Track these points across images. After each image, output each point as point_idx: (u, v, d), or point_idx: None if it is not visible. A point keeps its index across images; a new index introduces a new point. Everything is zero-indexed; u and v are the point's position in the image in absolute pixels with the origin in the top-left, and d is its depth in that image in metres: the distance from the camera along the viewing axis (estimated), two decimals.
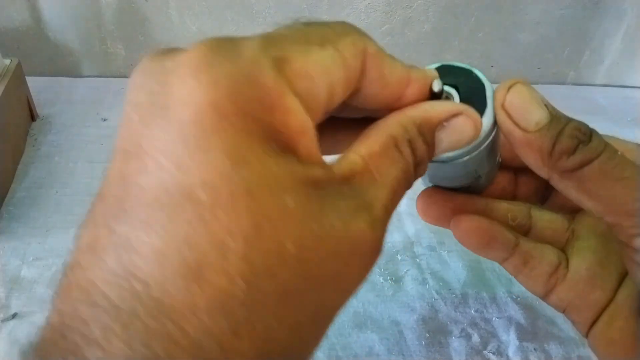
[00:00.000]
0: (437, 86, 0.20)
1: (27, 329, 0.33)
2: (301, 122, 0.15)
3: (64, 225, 0.40)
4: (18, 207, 0.41)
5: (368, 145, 0.17)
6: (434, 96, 0.20)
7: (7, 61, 0.47)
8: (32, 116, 0.51)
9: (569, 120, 0.21)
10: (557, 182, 0.21)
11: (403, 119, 0.18)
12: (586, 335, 0.24)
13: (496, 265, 0.39)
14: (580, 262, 0.24)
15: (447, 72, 0.21)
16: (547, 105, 0.21)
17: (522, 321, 0.35)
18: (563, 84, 0.69)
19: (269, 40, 0.15)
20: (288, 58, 0.15)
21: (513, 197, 0.27)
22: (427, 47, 0.63)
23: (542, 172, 0.21)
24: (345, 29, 0.17)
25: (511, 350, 0.33)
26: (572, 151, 0.20)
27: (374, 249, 0.16)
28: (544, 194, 0.27)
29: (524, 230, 0.26)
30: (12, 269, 0.36)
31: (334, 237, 0.14)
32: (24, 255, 0.37)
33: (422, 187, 0.26)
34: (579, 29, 0.64)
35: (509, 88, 0.21)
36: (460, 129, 0.19)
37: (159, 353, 0.12)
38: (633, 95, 0.67)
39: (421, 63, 0.58)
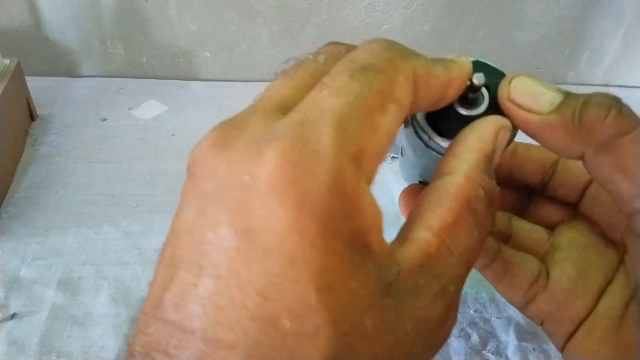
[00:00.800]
0: (478, 80, 0.19)
1: (26, 329, 0.33)
2: (374, 218, 0.14)
3: (64, 225, 0.40)
4: (17, 207, 0.41)
5: (441, 217, 0.16)
6: (470, 89, 0.20)
7: (7, 61, 0.47)
8: (32, 116, 0.51)
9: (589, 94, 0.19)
10: (591, 160, 0.19)
11: (469, 170, 0.17)
12: (562, 349, 0.23)
13: None
14: (561, 273, 0.23)
15: (478, 69, 0.21)
16: (555, 87, 0.20)
17: (521, 321, 0.35)
18: (563, 83, 0.69)
19: (342, 130, 0.14)
20: (361, 150, 0.14)
21: None
22: (427, 47, 0.63)
23: (572, 150, 0.19)
24: (394, 62, 0.17)
25: (510, 350, 0.33)
26: (604, 117, 0.18)
27: (448, 330, 0.16)
28: (521, 208, 0.27)
29: (504, 239, 0.26)
30: (12, 268, 0.36)
31: (408, 340, 0.15)
32: (23, 255, 0.37)
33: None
34: (578, 28, 0.64)
35: (510, 81, 0.20)
36: (502, 142, 0.19)
37: None
38: (633, 95, 0.67)
39: None
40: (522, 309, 0.24)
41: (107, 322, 0.34)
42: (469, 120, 0.20)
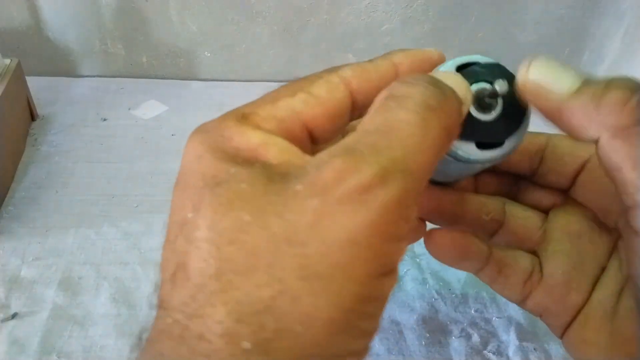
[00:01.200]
0: (500, 87, 0.20)
1: (27, 329, 0.33)
2: (262, 139, 0.17)
3: (64, 225, 0.40)
4: (18, 206, 0.41)
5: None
6: (491, 94, 0.20)
7: (7, 61, 0.47)
8: (32, 116, 0.51)
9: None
10: (605, 145, 0.18)
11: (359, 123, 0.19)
12: (561, 337, 0.24)
13: None
14: (555, 267, 0.23)
15: (489, 69, 0.21)
16: (575, 69, 0.19)
17: (522, 321, 0.35)
18: None
19: (239, 107, 0.19)
20: (254, 112, 0.18)
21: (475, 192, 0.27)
22: (427, 46, 0.63)
23: (589, 133, 0.18)
24: (319, 73, 0.20)
25: (511, 350, 0.33)
26: (625, 102, 0.17)
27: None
28: (510, 193, 0.26)
29: (497, 226, 0.26)
30: (12, 268, 0.36)
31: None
32: (23, 255, 0.37)
33: None
34: (578, 28, 0.64)
35: (530, 62, 0.19)
36: (446, 75, 0.20)
37: None
38: None
39: None
40: (519, 304, 0.25)
41: (107, 322, 0.34)
42: (485, 124, 0.20)
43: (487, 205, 0.25)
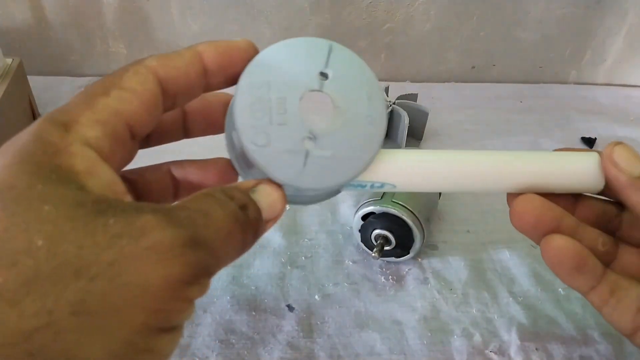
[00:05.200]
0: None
1: None
2: (90, 166, 0.17)
3: None
4: None
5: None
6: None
7: (9, 60, 0.47)
8: (34, 115, 0.52)
9: None
10: None
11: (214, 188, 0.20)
12: None
13: (497, 265, 0.40)
14: None
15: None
16: None
17: (524, 321, 0.35)
18: (565, 83, 0.69)
19: (54, 112, 0.18)
20: (75, 120, 0.18)
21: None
22: (428, 46, 0.63)
23: None
24: (125, 67, 0.20)
25: (513, 350, 0.33)
26: None
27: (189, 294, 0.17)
28: (606, 229, 0.28)
29: (609, 260, 0.26)
30: None
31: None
32: None
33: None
34: (580, 28, 0.64)
35: (615, 146, 0.25)
36: (267, 191, 0.21)
37: None
38: (635, 94, 0.67)
39: (422, 62, 0.58)
40: (630, 335, 0.25)
41: None
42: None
43: (602, 236, 0.26)
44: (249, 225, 0.19)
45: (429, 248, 0.41)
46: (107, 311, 0.14)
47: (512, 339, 0.34)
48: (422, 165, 0.25)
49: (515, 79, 0.67)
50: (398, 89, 0.55)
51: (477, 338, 0.34)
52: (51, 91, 0.56)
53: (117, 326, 0.15)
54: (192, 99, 0.22)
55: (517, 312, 0.36)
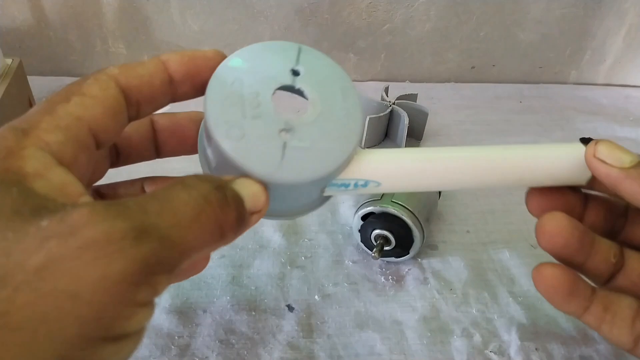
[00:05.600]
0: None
1: None
2: (41, 167, 0.16)
3: None
4: None
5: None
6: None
7: (9, 60, 0.47)
8: None
9: None
10: None
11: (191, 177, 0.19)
12: None
13: (497, 265, 0.40)
14: None
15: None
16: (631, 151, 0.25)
17: (524, 321, 0.35)
18: (565, 83, 0.69)
19: (16, 120, 0.18)
20: (35, 126, 0.17)
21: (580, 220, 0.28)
22: (428, 46, 0.63)
23: None
24: (86, 76, 0.20)
25: (513, 350, 0.33)
26: None
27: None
28: (613, 228, 0.28)
29: (617, 270, 0.26)
30: None
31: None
32: None
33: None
34: (580, 28, 0.64)
35: (596, 145, 0.25)
36: (247, 184, 0.20)
37: None
38: (635, 94, 0.67)
39: (422, 62, 0.58)
40: (632, 349, 0.25)
41: None
42: None
43: (614, 247, 0.27)
44: (227, 205, 0.18)
45: (429, 248, 0.41)
46: (34, 324, 0.13)
47: (512, 339, 0.34)
48: (404, 163, 0.25)
49: (515, 79, 0.67)
50: (398, 89, 0.55)
51: (477, 338, 0.34)
52: (51, 91, 0.56)
53: (45, 340, 0.13)
54: (158, 108, 0.23)
55: (517, 312, 0.36)
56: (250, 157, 0.21)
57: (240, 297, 0.36)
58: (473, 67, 0.66)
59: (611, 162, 0.24)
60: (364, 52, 0.63)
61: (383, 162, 0.25)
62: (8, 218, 0.14)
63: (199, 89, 0.23)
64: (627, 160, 0.24)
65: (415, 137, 0.53)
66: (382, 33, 0.61)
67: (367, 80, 0.65)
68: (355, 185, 0.24)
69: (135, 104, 0.21)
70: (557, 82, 0.69)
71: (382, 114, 0.50)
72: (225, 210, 0.17)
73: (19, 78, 0.47)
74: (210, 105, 0.22)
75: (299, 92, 0.24)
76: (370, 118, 0.49)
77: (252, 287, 0.36)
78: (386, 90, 0.53)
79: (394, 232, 0.36)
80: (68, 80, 0.61)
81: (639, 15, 0.63)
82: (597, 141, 0.25)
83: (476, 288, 0.38)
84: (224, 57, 0.23)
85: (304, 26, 0.60)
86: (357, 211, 0.38)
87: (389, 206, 0.36)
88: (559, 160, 0.26)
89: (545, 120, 0.60)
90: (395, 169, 0.25)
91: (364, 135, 0.51)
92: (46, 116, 0.18)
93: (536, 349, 0.33)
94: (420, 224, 0.36)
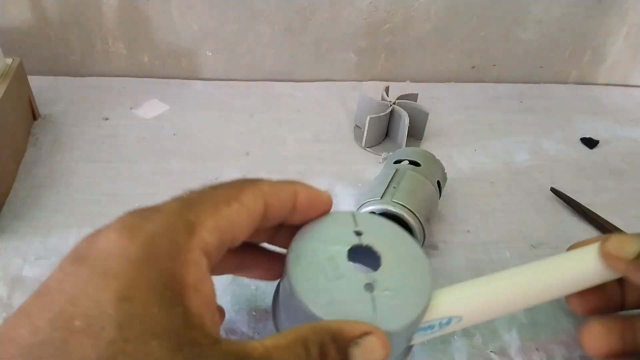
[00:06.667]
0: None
1: None
2: (199, 279, 0.18)
3: (66, 225, 0.40)
4: (20, 206, 0.41)
5: (275, 338, 0.18)
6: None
7: (9, 60, 0.47)
8: (34, 115, 0.52)
9: None
10: None
11: (317, 326, 0.20)
12: None
13: (497, 265, 0.39)
14: None
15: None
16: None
17: (524, 320, 0.35)
18: (565, 83, 0.69)
19: (185, 206, 0.20)
20: (202, 222, 0.19)
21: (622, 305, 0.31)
22: (428, 46, 0.63)
23: None
24: (245, 184, 0.23)
25: (513, 350, 0.33)
26: None
27: None
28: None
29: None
30: (14, 268, 0.36)
31: None
32: (25, 255, 0.37)
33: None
34: (581, 28, 0.64)
35: (604, 241, 0.27)
36: (371, 348, 0.20)
37: None
38: (635, 94, 0.67)
39: (422, 62, 0.58)
40: None
41: None
42: None
43: None
44: None
45: (430, 248, 0.41)
46: None
47: (512, 339, 0.34)
48: (481, 294, 0.28)
49: (516, 79, 0.67)
50: (398, 89, 0.55)
51: (478, 338, 0.34)
52: (51, 91, 0.56)
53: None
54: (273, 224, 0.25)
55: (517, 312, 0.36)
56: (344, 317, 0.22)
57: (241, 297, 0.35)
58: (473, 67, 0.66)
59: (617, 255, 0.27)
60: (364, 52, 0.63)
61: (461, 296, 0.27)
62: (172, 352, 0.15)
63: (304, 222, 0.26)
64: (631, 252, 0.26)
65: (415, 137, 0.53)
66: (382, 33, 0.61)
67: (367, 80, 0.65)
68: (440, 325, 0.26)
69: (266, 220, 0.24)
70: (557, 82, 0.69)
71: (382, 114, 0.50)
72: None
73: (19, 78, 0.47)
74: (295, 278, 0.24)
75: (368, 249, 0.27)
76: (370, 118, 0.49)
77: (252, 287, 0.36)
78: (386, 90, 0.53)
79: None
80: (68, 80, 0.61)
81: (639, 15, 0.63)
82: (607, 237, 0.27)
83: None
84: (331, 203, 0.27)
85: (305, 26, 0.60)
86: (357, 211, 0.38)
87: (390, 206, 0.36)
88: (595, 265, 0.28)
89: (546, 120, 0.60)
90: (474, 301, 0.27)
91: (365, 135, 0.51)
92: (211, 216, 0.20)
93: (537, 349, 0.33)
94: (421, 224, 0.36)
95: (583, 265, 0.28)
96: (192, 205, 0.20)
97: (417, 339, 0.26)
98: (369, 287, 0.24)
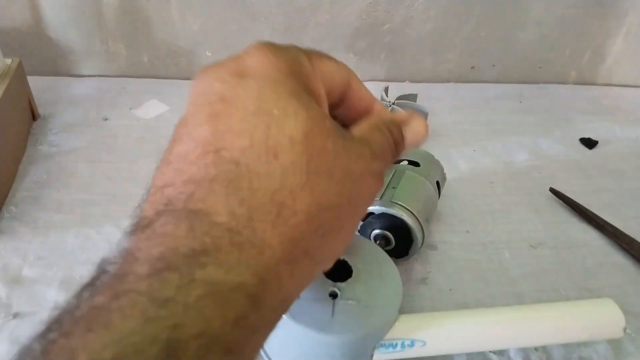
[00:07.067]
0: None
1: (28, 329, 0.33)
2: (322, 92, 0.22)
3: (65, 225, 0.40)
4: (19, 206, 0.41)
5: (358, 129, 0.23)
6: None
7: (9, 60, 0.47)
8: (33, 116, 0.52)
9: None
10: None
11: (379, 115, 0.25)
12: None
13: (497, 265, 0.40)
14: None
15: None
16: None
17: None
18: (565, 83, 0.69)
19: (302, 49, 0.22)
20: (313, 59, 0.22)
21: None
22: (428, 46, 0.63)
23: None
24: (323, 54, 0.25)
25: (512, 350, 0.33)
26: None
27: (379, 178, 0.22)
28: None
29: None
30: (14, 268, 0.36)
31: (354, 168, 0.20)
32: (25, 255, 0.37)
33: None
34: (580, 28, 0.64)
35: None
36: (417, 128, 0.25)
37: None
38: (634, 94, 0.67)
39: (422, 63, 0.58)
40: None
41: None
42: None
43: None
44: (396, 153, 0.24)
45: (429, 248, 0.41)
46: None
47: None
48: (449, 323, 0.29)
49: (515, 79, 0.67)
50: (398, 89, 0.55)
51: None
52: (51, 91, 0.56)
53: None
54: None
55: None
56: (307, 315, 0.26)
57: None
58: (473, 67, 0.66)
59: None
60: (364, 52, 0.63)
61: (428, 323, 0.28)
62: (338, 132, 0.20)
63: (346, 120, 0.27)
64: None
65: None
66: (382, 33, 0.61)
67: (367, 80, 0.65)
68: (402, 345, 0.27)
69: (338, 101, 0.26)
70: (557, 82, 0.69)
71: None
72: (394, 155, 0.24)
73: (18, 78, 0.47)
74: None
75: (344, 262, 0.29)
76: None
77: None
78: (386, 90, 0.53)
79: (394, 232, 0.36)
80: (68, 80, 0.61)
81: (638, 15, 0.63)
82: None
83: (476, 288, 0.38)
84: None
85: (304, 26, 0.60)
86: None
87: (389, 206, 0.36)
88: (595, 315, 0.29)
89: (545, 120, 0.60)
90: (439, 330, 0.28)
91: None
92: (319, 58, 0.23)
93: (535, 349, 0.33)
94: (421, 224, 0.36)
95: (564, 317, 0.29)
96: (306, 50, 0.23)
97: (379, 355, 0.27)
98: (333, 294, 0.27)
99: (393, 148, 0.24)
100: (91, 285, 0.16)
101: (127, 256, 0.16)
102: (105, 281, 0.16)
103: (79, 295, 0.16)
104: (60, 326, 0.15)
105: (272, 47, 0.21)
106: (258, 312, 0.16)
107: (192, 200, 0.17)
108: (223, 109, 0.19)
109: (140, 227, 0.18)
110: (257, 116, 0.19)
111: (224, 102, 0.19)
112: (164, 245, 0.16)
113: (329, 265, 0.21)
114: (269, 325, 0.18)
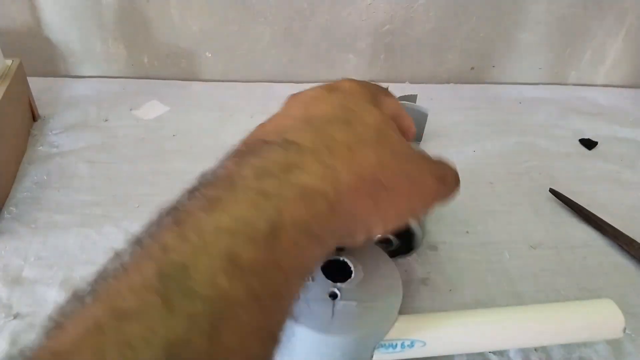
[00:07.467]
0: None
1: (28, 329, 0.33)
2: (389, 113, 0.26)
3: (66, 225, 0.40)
4: (19, 207, 0.42)
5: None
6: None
7: (9, 61, 0.47)
8: (34, 116, 0.52)
9: None
10: None
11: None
12: None
13: (497, 265, 0.40)
14: None
15: None
16: None
17: None
18: (564, 84, 0.69)
19: (377, 85, 0.28)
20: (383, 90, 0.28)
21: None
22: (428, 47, 0.63)
23: None
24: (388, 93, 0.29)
25: (512, 351, 0.33)
26: None
27: (440, 182, 0.26)
28: None
29: None
30: (14, 268, 0.36)
31: (414, 158, 0.25)
32: (25, 255, 0.38)
33: None
34: (580, 28, 0.64)
35: None
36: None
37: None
38: (634, 95, 0.67)
39: (422, 63, 0.58)
40: None
41: None
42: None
43: None
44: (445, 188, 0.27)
45: (429, 249, 0.41)
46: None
47: None
48: (449, 324, 0.29)
49: (515, 79, 0.68)
50: (397, 89, 0.55)
51: None
52: (51, 92, 0.56)
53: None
54: None
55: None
56: (311, 314, 0.26)
57: None
58: (473, 68, 0.66)
59: None
60: (364, 53, 0.63)
61: (428, 323, 0.29)
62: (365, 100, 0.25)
63: None
64: None
65: (415, 137, 0.53)
66: (382, 33, 0.61)
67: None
68: (402, 345, 0.28)
69: None
70: (557, 82, 0.69)
71: None
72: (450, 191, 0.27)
73: (19, 79, 0.47)
74: None
75: (344, 263, 0.30)
76: None
77: None
78: None
79: (395, 232, 0.36)
80: (68, 81, 0.61)
81: (638, 16, 0.63)
82: None
83: (476, 289, 0.38)
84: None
85: (304, 27, 0.60)
86: None
87: None
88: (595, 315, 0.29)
89: (545, 121, 0.60)
90: (440, 331, 0.28)
91: None
92: (388, 97, 0.28)
93: (535, 349, 0.33)
94: (421, 224, 0.36)
95: (564, 318, 0.29)
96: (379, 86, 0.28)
97: (379, 355, 0.28)
98: (333, 294, 0.28)
99: (454, 172, 0.27)
100: (195, 188, 0.21)
101: (231, 166, 0.21)
102: (213, 181, 0.21)
103: (192, 190, 0.21)
104: (177, 209, 0.21)
105: (356, 79, 0.27)
106: (333, 219, 0.20)
107: (286, 135, 0.22)
108: (314, 103, 0.25)
109: (235, 153, 0.22)
110: (340, 109, 0.24)
111: (315, 99, 0.25)
112: (264, 159, 0.21)
113: (378, 227, 0.23)
114: (338, 233, 0.21)
